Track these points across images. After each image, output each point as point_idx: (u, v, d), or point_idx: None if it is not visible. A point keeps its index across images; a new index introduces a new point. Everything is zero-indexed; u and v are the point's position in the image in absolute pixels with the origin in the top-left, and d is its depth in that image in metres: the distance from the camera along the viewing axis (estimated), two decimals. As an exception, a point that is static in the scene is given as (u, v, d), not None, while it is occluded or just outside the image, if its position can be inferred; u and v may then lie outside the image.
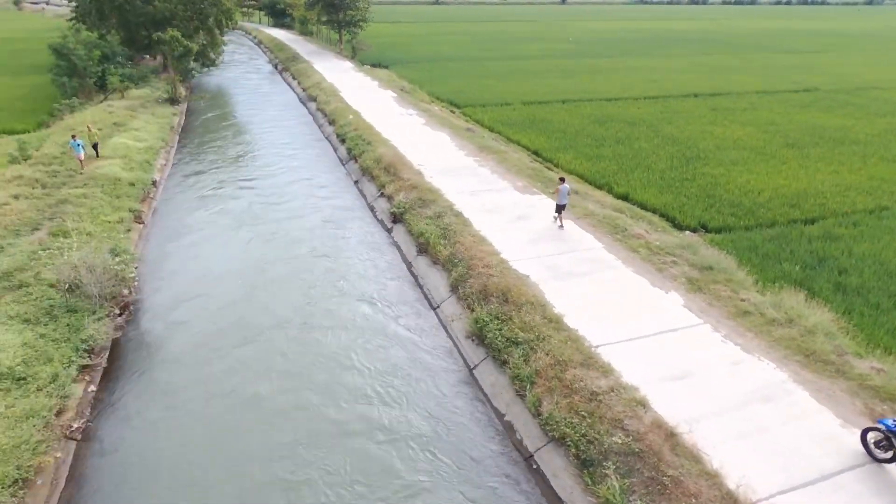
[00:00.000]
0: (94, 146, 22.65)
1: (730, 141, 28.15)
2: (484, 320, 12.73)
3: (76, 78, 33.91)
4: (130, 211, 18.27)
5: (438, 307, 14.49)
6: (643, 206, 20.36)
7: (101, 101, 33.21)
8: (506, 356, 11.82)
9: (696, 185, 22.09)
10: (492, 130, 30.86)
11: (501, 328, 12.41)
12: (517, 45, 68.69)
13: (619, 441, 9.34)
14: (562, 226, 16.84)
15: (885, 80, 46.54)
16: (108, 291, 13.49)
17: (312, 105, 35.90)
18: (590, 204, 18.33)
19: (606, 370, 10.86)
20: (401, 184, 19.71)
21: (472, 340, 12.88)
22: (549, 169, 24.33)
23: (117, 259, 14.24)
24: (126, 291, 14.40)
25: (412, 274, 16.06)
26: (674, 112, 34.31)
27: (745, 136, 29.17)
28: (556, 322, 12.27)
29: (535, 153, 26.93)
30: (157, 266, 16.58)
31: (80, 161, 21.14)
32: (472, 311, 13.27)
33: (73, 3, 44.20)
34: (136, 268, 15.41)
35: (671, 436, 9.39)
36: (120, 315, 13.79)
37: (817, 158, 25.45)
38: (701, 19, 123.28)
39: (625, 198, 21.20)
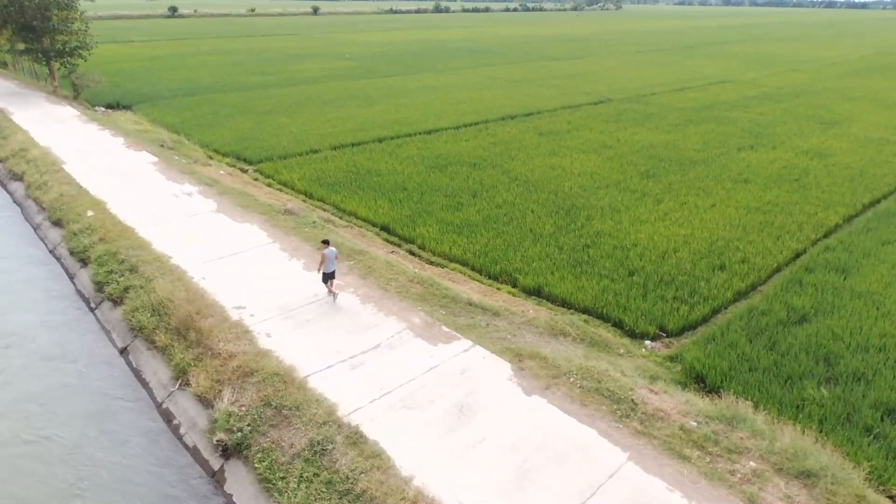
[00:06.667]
0: None
1: (586, 177, 24.87)
2: None
3: None
4: None
5: None
6: (570, 305, 15.15)
7: None
8: None
9: (602, 253, 17.71)
10: (310, 197, 23.15)
11: None
12: (289, 64, 60.06)
13: None
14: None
15: (652, 86, 49.87)
16: None
17: (18, 189, 22.83)
18: (526, 335, 12.17)
19: None
20: (217, 363, 11.01)
21: None
22: (430, 265, 17.80)
23: None
24: None
25: None
26: (505, 143, 30.44)
27: (595, 167, 26.30)
28: None
29: (384, 229, 20.19)
30: None
31: None
32: None
33: None
34: None
35: None
36: None
37: (679, 189, 23.34)
38: (463, 28, 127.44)
39: (537, 293, 15.81)
